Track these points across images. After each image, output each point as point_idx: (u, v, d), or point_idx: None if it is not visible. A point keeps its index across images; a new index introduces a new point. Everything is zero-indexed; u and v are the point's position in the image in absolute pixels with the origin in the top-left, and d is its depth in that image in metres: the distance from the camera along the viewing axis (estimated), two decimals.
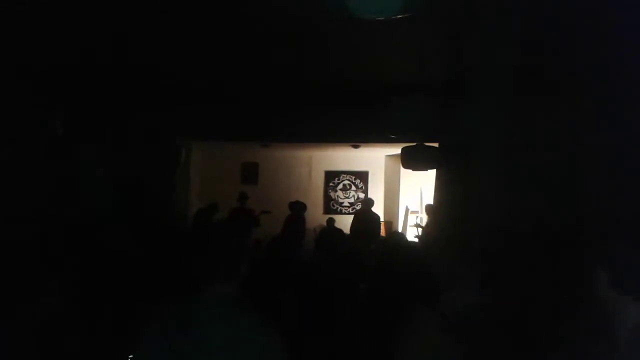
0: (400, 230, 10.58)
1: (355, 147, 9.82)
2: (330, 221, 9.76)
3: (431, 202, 7.88)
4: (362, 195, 12.22)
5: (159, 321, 2.00)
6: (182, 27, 3.27)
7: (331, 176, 12.45)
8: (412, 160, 5.77)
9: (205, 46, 3.78)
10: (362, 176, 12.41)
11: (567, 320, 3.02)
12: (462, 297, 2.67)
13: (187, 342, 1.89)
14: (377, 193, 11.64)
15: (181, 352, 1.89)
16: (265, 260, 3.86)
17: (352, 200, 12.43)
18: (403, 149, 5.83)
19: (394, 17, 2.15)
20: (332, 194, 12.45)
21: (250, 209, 9.25)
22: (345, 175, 12.44)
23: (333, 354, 3.19)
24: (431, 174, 6.81)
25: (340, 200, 12.45)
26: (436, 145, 6.06)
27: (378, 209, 9.98)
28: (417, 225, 9.84)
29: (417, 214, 10.44)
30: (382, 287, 2.94)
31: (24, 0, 2.72)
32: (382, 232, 9.70)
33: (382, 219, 9.89)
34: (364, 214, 9.16)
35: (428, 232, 8.26)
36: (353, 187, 12.45)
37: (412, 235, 9.82)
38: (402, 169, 6.40)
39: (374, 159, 11.84)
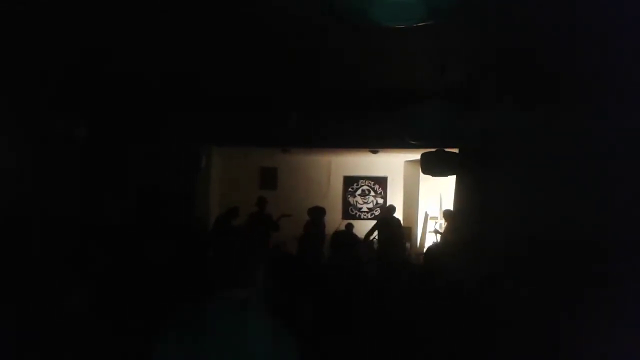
0: (419, 236, 10.55)
1: (374, 152, 9.81)
2: (349, 226, 9.77)
3: (450, 207, 7.84)
4: (380, 201, 12.20)
5: (174, 325, 2.03)
6: (200, 32, 3.32)
7: (350, 181, 12.44)
8: (432, 166, 5.76)
9: (224, 52, 3.82)
10: (381, 182, 12.38)
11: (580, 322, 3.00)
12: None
13: (202, 346, 1.92)
14: (396, 198, 11.61)
15: (196, 356, 1.91)
16: (288, 262, 3.89)
17: (370, 205, 12.42)
18: (423, 155, 5.82)
19: (414, 25, 2.17)
20: (350, 199, 12.45)
21: (269, 214, 9.29)
22: (364, 181, 12.43)
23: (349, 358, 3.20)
24: (451, 179, 6.78)
25: (359, 206, 12.43)
26: (456, 151, 6.04)
27: (397, 214, 9.96)
28: (436, 232, 9.79)
29: (436, 220, 10.38)
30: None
31: (42, 3, 2.78)
32: None
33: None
34: (385, 221, 9.19)
35: (446, 237, 8.22)
36: (372, 193, 12.43)
37: (431, 241, 9.78)
38: (421, 174, 6.39)
39: (393, 165, 11.81)
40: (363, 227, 11.34)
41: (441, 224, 9.91)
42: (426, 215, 10.55)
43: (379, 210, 12.06)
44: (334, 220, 11.18)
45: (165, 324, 2.04)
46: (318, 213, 9.46)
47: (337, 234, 4.32)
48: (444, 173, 5.97)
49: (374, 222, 9.85)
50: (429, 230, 10.28)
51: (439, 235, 9.41)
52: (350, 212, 12.35)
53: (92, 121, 5.41)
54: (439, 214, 10.22)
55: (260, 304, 2.06)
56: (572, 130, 3.87)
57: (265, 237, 8.56)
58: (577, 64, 3.52)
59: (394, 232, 8.91)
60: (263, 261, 2.14)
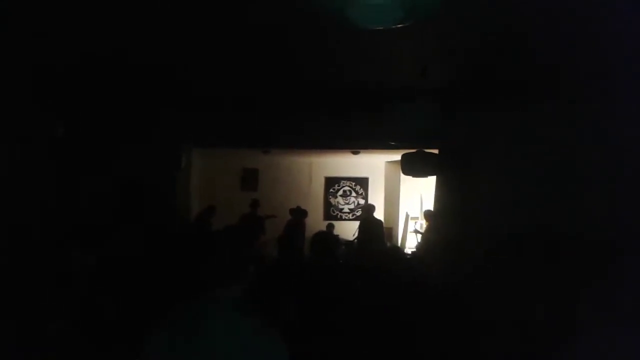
0: (400, 236, 10.61)
1: (355, 153, 9.85)
2: (330, 227, 9.80)
3: (430, 208, 7.90)
4: (362, 202, 12.24)
5: (164, 324, 2.02)
6: (182, 30, 3.31)
7: (331, 182, 12.47)
8: (412, 166, 5.81)
9: (206, 51, 3.81)
10: (362, 182, 12.43)
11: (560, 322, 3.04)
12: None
13: (192, 345, 1.92)
14: (377, 199, 11.66)
15: (186, 355, 1.91)
16: (271, 263, 3.91)
17: (352, 206, 12.46)
18: (403, 156, 5.87)
19: (393, 27, 2.19)
20: (332, 200, 12.47)
21: (259, 215, 9.36)
22: (345, 182, 12.46)
23: (332, 356, 3.21)
24: (431, 180, 6.84)
25: (341, 207, 12.47)
26: (436, 151, 6.09)
27: (378, 215, 10.01)
28: (416, 232, 9.86)
29: (417, 220, 10.46)
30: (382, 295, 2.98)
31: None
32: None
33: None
34: (367, 222, 9.20)
35: (427, 237, 8.28)
36: (353, 193, 12.47)
37: (412, 241, 9.85)
38: (402, 175, 6.43)
39: (374, 165, 11.86)
40: (344, 227, 11.39)
41: (422, 224, 9.98)
42: (407, 215, 10.61)
43: (360, 211, 12.12)
44: (316, 221, 11.19)
45: (154, 323, 2.04)
46: (299, 214, 9.52)
47: (318, 233, 4.35)
48: (424, 173, 6.02)
49: (355, 222, 9.90)
50: (410, 231, 10.35)
51: (419, 236, 9.48)
52: (331, 213, 12.38)
53: (72, 119, 5.34)
54: (419, 214, 10.30)
55: (248, 303, 2.07)
56: (552, 130, 3.93)
57: (254, 237, 8.60)
58: (556, 65, 3.58)
59: (374, 231, 8.93)
60: (253, 260, 2.15)
